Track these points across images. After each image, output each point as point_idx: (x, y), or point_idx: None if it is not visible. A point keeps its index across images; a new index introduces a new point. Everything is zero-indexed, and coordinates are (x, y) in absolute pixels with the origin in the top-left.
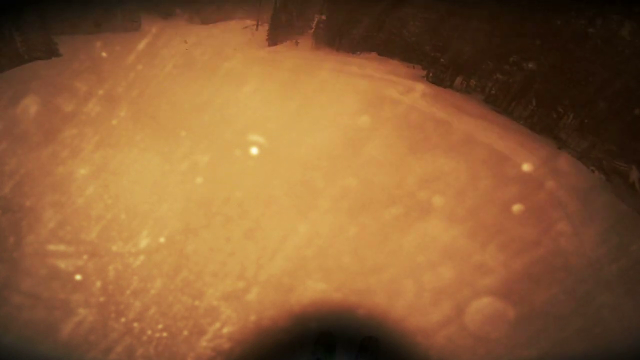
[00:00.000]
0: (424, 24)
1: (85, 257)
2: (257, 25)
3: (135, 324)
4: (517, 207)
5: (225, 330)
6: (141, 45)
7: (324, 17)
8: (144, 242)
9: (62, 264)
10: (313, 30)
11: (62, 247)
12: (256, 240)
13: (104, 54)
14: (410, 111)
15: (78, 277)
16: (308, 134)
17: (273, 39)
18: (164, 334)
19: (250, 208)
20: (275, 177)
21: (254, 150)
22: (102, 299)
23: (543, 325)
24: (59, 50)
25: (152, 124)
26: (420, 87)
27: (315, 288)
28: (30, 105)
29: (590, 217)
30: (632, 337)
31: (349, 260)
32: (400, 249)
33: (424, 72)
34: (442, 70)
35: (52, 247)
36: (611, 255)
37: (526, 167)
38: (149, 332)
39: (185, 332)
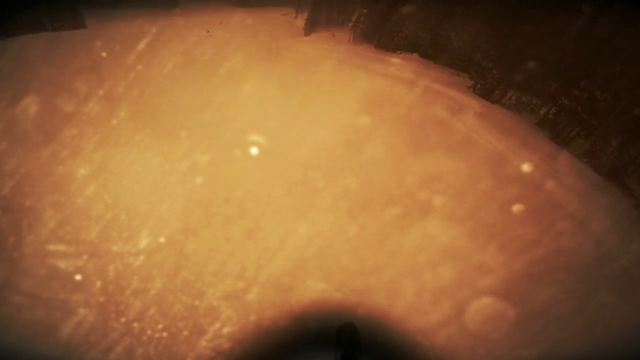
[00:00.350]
0: (477, 30)
1: (85, 257)
2: (296, 14)
3: (135, 324)
4: (517, 207)
5: (225, 330)
6: (141, 45)
7: (365, 10)
8: (144, 242)
9: (62, 264)
10: (352, 23)
11: (62, 247)
12: (256, 240)
13: (104, 54)
14: (410, 111)
15: (78, 277)
16: (308, 134)
17: (310, 29)
18: (164, 334)
19: (250, 208)
20: (275, 177)
21: (254, 150)
22: (102, 299)
23: (543, 325)
24: (85, 22)
25: (152, 124)
26: (471, 103)
27: (315, 288)
28: (30, 105)
29: (590, 217)
30: (632, 337)
31: (349, 260)
32: (400, 249)
33: (471, 82)
34: (494, 82)
35: (52, 247)
36: (611, 255)
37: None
38: (149, 332)
39: (185, 332)
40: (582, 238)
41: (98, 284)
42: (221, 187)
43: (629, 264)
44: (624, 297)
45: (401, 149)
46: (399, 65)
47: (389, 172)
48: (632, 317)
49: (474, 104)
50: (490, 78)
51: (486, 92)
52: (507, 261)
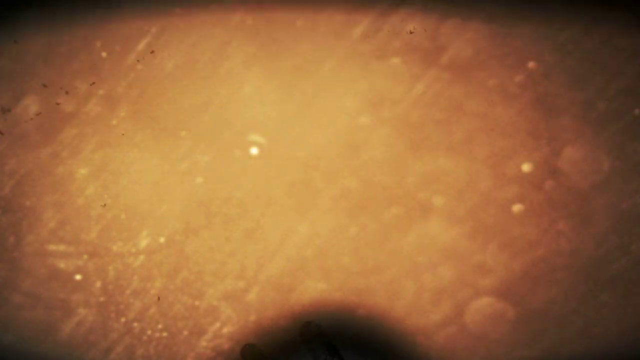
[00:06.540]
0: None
1: (85, 257)
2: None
3: (135, 324)
4: (517, 207)
5: (225, 330)
6: (141, 45)
7: None
8: (144, 242)
9: (62, 264)
10: None
11: (62, 247)
12: (256, 240)
13: (104, 54)
14: (410, 111)
15: (78, 277)
16: (308, 134)
17: None
18: (164, 334)
19: (250, 208)
20: (275, 177)
21: (254, 150)
22: (102, 299)
23: (543, 325)
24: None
25: (152, 124)
26: None
27: (315, 288)
28: (30, 105)
29: (590, 217)
30: (632, 337)
31: (349, 260)
32: (400, 249)
33: None
34: None
35: (52, 247)
36: (611, 255)
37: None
38: (149, 332)
39: (185, 332)
40: (582, 238)
41: (98, 284)
42: (221, 187)
43: (629, 265)
44: (625, 298)
45: (401, 149)
46: (399, 64)
47: (389, 172)
48: (633, 318)
49: None
50: None
51: None
52: (508, 261)
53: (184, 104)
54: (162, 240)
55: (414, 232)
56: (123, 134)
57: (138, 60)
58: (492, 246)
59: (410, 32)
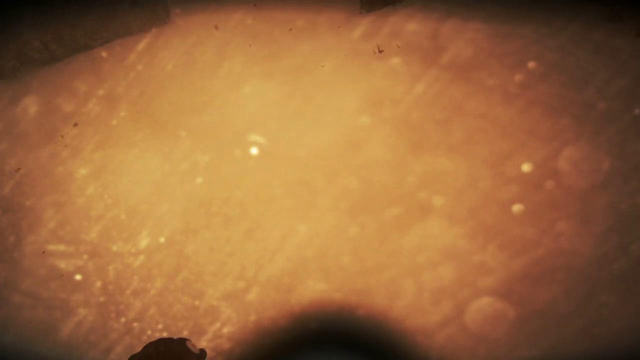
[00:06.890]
0: None
1: (85, 257)
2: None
3: (135, 324)
4: (517, 207)
5: (225, 330)
6: (141, 45)
7: None
8: (144, 242)
9: (62, 264)
10: None
11: (62, 247)
12: (256, 240)
13: (104, 54)
14: (410, 111)
15: (78, 277)
16: (308, 134)
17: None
18: (164, 334)
19: (250, 208)
20: (275, 177)
21: (254, 150)
22: (102, 299)
23: (543, 325)
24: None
25: (152, 124)
26: None
27: (315, 288)
28: (30, 105)
29: (590, 217)
30: (632, 337)
31: (349, 260)
32: (400, 249)
33: None
34: None
35: (52, 247)
36: (611, 255)
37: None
38: (149, 332)
39: (185, 332)
40: (582, 238)
41: (98, 284)
42: (221, 187)
43: (629, 265)
44: (625, 298)
45: (401, 149)
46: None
47: (389, 172)
48: (633, 318)
49: None
50: None
51: None
52: (508, 261)
53: (184, 104)
54: (162, 240)
55: (414, 232)
56: (123, 134)
57: (139, 60)
58: (492, 246)
59: (380, 51)
